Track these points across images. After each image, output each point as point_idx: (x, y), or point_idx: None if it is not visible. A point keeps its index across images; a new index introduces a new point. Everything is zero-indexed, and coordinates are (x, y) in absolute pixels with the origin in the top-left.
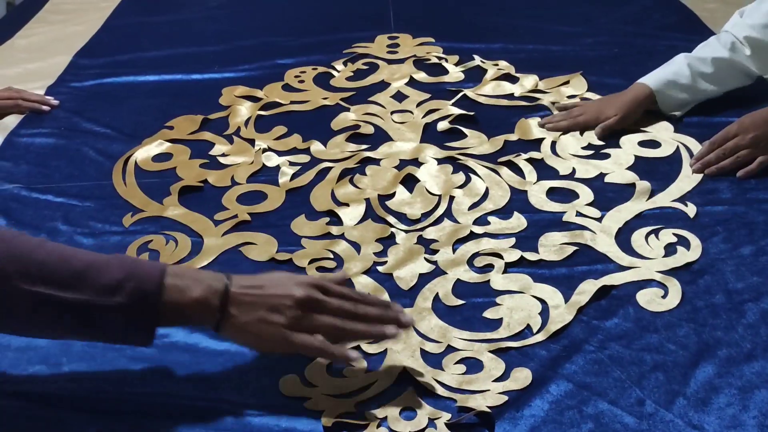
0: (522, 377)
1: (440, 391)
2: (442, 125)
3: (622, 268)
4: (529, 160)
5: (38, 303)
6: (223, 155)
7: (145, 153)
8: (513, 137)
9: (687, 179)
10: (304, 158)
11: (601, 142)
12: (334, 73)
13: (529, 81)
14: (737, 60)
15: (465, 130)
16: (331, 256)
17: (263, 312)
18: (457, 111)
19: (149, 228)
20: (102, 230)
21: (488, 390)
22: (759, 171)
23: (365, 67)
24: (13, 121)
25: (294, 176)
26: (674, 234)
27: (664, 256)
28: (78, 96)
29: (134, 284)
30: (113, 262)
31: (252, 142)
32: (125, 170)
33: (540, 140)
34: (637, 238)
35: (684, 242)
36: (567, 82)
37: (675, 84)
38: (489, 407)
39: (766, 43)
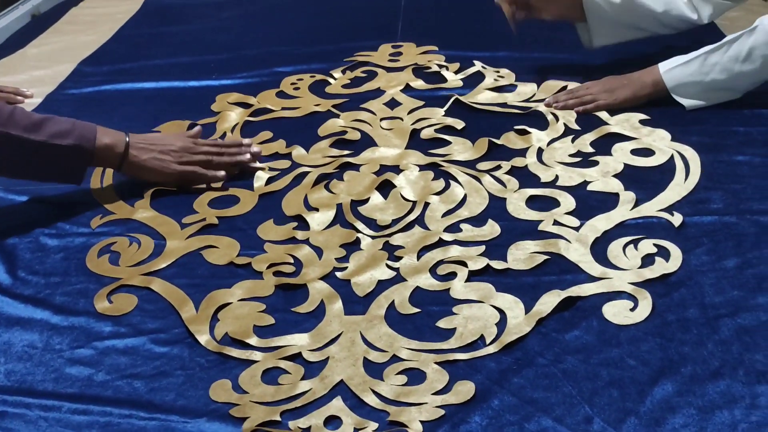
0: (464, 390)
1: (373, 402)
2: (426, 133)
3: (593, 279)
4: (513, 168)
5: (4, 142)
6: None
7: None
8: (498, 141)
9: (677, 188)
10: (285, 163)
11: (591, 149)
12: (331, 80)
13: (526, 88)
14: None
15: (449, 138)
16: (291, 260)
17: (156, 153)
18: (447, 119)
19: (115, 230)
20: (69, 231)
21: (425, 403)
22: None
23: (364, 75)
24: None
25: (271, 181)
26: (654, 244)
27: (639, 267)
28: (75, 103)
29: (78, 132)
30: (60, 119)
31: None
32: (104, 173)
33: (526, 148)
34: (614, 248)
35: (664, 253)
36: (564, 88)
37: (688, 83)
38: (422, 421)
39: None
